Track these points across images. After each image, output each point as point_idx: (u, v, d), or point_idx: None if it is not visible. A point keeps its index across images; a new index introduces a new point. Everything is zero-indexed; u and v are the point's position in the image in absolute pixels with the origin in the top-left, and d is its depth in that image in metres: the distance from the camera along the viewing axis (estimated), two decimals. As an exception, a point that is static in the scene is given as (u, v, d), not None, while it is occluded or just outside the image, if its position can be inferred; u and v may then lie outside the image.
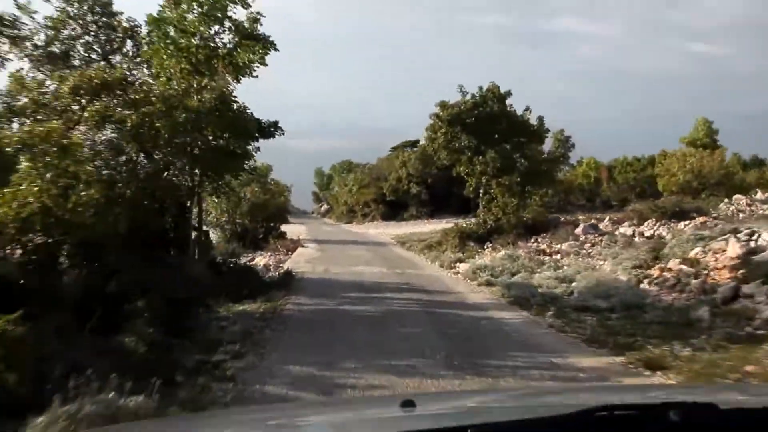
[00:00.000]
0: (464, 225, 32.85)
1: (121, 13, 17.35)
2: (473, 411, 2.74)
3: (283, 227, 65.84)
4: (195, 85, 15.62)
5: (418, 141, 67.25)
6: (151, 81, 16.24)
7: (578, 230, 28.56)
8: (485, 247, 26.09)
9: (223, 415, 4.33)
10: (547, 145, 64.58)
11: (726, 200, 32.86)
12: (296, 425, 2.66)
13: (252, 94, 24.99)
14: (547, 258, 22.90)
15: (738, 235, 16.69)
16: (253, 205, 37.86)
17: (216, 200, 38.01)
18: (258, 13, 16.79)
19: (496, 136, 31.67)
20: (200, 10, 16.41)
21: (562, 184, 62.78)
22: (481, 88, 32.99)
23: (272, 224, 40.00)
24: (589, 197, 65.54)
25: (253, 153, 18.62)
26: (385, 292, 17.93)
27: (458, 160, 31.90)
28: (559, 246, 24.98)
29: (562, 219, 36.96)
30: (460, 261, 23.00)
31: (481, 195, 31.70)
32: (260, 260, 26.13)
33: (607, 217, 33.22)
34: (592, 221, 32.30)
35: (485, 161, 30.20)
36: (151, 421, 4.63)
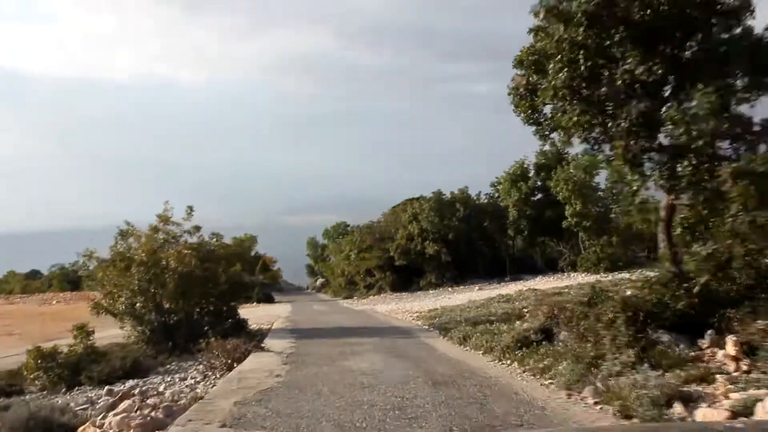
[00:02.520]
0: (638, 282, 13.04)
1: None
2: None
3: (263, 308, 51.58)
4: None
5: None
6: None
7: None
8: (703, 345, 9.63)
9: None
10: (601, 177, 51.43)
11: None
12: None
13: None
14: None
15: None
16: (184, 278, 22.92)
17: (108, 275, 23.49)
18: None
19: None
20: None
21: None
22: None
23: (224, 308, 25.00)
24: (649, 247, 50.36)
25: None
26: None
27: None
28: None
29: None
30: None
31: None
32: (122, 406, 10.89)
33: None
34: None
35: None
36: None
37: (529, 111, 11.43)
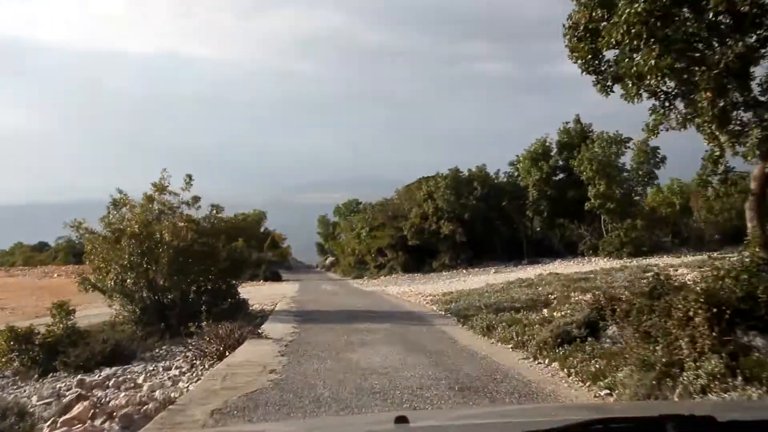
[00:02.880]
0: (714, 269, 9.34)
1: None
2: (468, 427, 2.76)
3: (269, 286, 49.58)
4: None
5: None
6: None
7: None
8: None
9: None
10: (626, 158, 48.49)
11: None
12: None
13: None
14: None
15: None
16: (180, 253, 20.94)
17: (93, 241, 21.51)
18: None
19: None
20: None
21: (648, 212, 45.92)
22: None
23: (223, 286, 23.04)
24: (674, 231, 48.08)
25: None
26: None
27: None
28: None
29: None
30: None
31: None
32: (76, 410, 8.88)
33: None
34: None
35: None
36: None
37: (589, 56, 9.24)
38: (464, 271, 45.69)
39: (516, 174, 50.42)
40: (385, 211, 53.52)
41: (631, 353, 8.79)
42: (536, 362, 10.88)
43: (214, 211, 22.44)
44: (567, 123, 48.31)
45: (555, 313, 17.34)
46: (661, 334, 8.29)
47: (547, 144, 48.15)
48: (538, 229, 51.50)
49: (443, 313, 21.01)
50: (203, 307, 21.74)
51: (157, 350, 18.09)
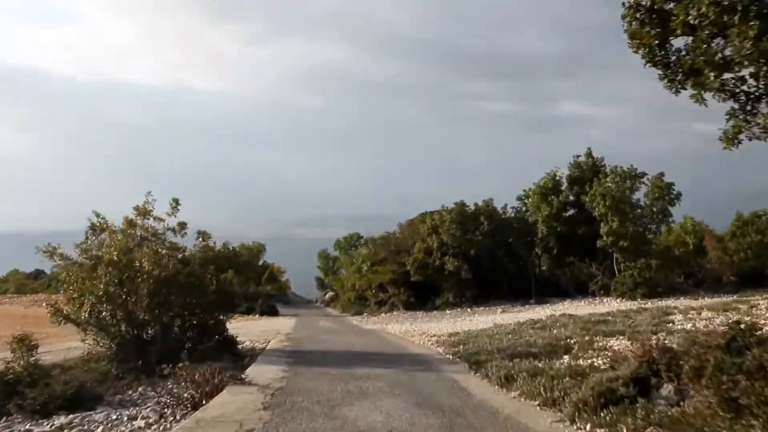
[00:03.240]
0: None
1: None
2: None
3: (265, 321, 47.27)
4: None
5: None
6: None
7: None
8: None
9: None
10: (639, 194, 46.33)
11: None
12: None
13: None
14: None
15: None
16: (161, 283, 18.95)
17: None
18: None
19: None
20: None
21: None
22: None
23: (210, 321, 20.98)
24: (687, 272, 46.09)
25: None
26: None
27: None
28: None
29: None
30: None
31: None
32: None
33: None
34: None
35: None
36: None
37: (655, 42, 7.39)
38: (469, 309, 43.58)
39: (524, 209, 48.56)
40: (387, 245, 51.59)
41: (710, 425, 6.77)
42: (575, 428, 8.84)
43: (200, 239, 20.39)
44: (578, 156, 46.63)
45: (580, 361, 15.36)
46: (756, 404, 6.31)
47: (558, 178, 46.35)
48: (545, 267, 49.49)
49: (451, 357, 18.93)
50: (187, 344, 19.83)
51: (130, 393, 15.99)
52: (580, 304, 39.79)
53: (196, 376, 12.46)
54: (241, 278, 63.58)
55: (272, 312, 57.09)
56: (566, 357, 16.54)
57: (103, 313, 18.87)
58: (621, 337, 19.43)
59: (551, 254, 45.62)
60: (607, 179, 42.18)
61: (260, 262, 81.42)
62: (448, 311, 44.14)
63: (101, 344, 19.16)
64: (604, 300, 40.63)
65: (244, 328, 36.78)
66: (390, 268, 49.28)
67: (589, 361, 15.08)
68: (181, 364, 14.17)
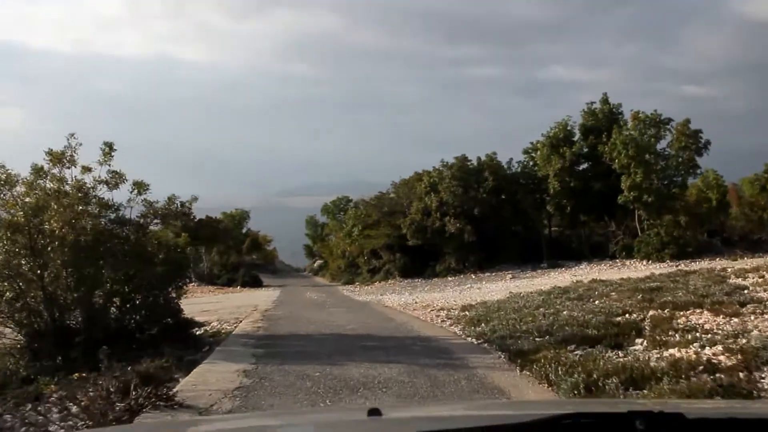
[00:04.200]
0: None
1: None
2: (438, 419, 2.68)
3: (244, 294, 42.26)
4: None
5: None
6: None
7: None
8: None
9: (188, 425, 4.06)
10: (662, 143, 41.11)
11: None
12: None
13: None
14: None
15: None
16: (82, 251, 14.02)
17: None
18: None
19: None
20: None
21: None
22: None
23: (159, 299, 16.08)
24: (711, 229, 41.55)
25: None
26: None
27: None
28: None
29: None
30: None
31: None
32: None
33: None
34: None
35: None
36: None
37: None
38: (473, 276, 38.89)
39: (531, 164, 43.62)
40: (380, 206, 46.51)
41: None
42: None
43: (136, 192, 15.31)
44: (592, 103, 41.56)
45: (673, 351, 10.64)
46: None
47: (569, 128, 41.40)
48: (555, 227, 44.68)
49: (475, 341, 14.23)
50: (132, 330, 15.18)
51: (36, 403, 11.17)
52: (601, 267, 35.18)
53: (83, 398, 7.61)
54: (220, 247, 58.87)
55: (255, 283, 52.23)
56: (640, 341, 11.87)
57: (7, 293, 14.02)
58: (698, 310, 14.75)
59: (564, 212, 40.75)
60: (629, 126, 37.27)
61: (243, 230, 76.53)
62: (449, 278, 39.46)
63: (7, 335, 14.36)
64: (627, 263, 35.99)
65: (219, 303, 31.99)
66: (384, 232, 44.36)
67: (686, 350, 10.37)
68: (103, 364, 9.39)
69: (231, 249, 60.75)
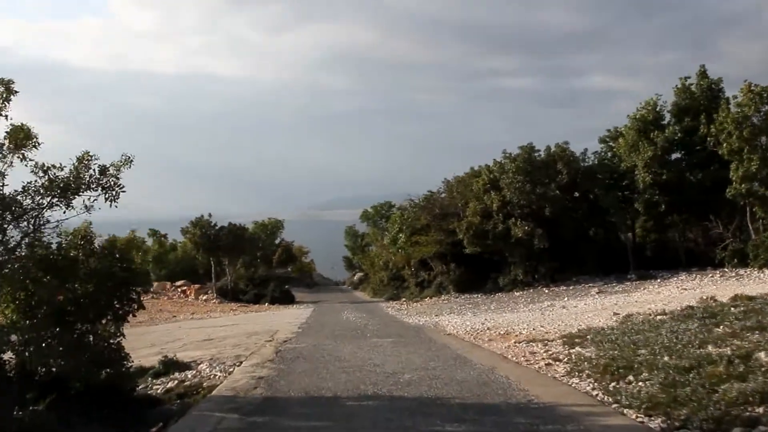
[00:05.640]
0: None
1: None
2: None
3: (268, 314, 35.25)
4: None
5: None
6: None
7: None
8: None
9: None
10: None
11: None
12: None
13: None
14: None
15: None
16: None
17: None
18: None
19: None
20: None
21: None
22: None
23: (87, 334, 9.44)
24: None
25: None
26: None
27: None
28: None
29: None
30: None
31: None
32: None
33: None
34: None
35: None
36: None
37: None
38: (546, 290, 31.80)
39: (610, 154, 36.39)
40: (430, 208, 39.45)
41: None
42: None
43: (12, 146, 8.61)
44: (687, 78, 34.19)
45: None
46: None
47: (658, 109, 34.13)
48: (639, 229, 37.22)
49: (645, 419, 7.45)
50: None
51: None
52: (711, 279, 27.83)
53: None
54: (246, 258, 52.55)
55: (286, 299, 45.53)
56: None
57: None
58: None
59: (655, 212, 33.38)
60: (739, 101, 29.88)
61: (277, 241, 70.26)
62: (516, 293, 32.40)
63: None
64: (742, 272, 28.59)
65: (231, 328, 25.52)
66: (435, 238, 37.39)
67: None
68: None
69: (259, 261, 54.44)
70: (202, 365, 13.99)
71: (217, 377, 12.35)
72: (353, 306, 38.41)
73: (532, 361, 12.57)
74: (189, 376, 12.82)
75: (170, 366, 13.89)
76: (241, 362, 14.07)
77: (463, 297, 34.02)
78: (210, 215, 46.06)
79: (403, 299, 39.11)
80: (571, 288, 31.24)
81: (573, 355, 12.50)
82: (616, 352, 11.95)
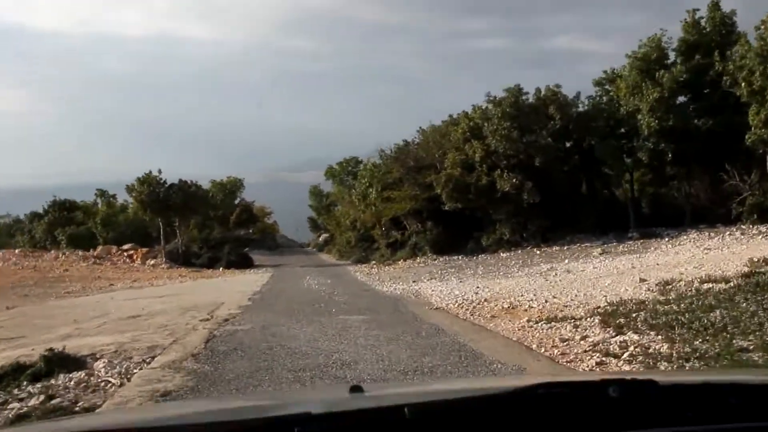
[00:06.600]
0: None
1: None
2: (418, 394, 2.58)
3: (217, 281, 29.52)
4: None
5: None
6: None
7: None
8: None
9: (177, 407, 3.71)
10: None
11: None
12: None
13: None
14: None
15: None
16: None
17: None
18: None
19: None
20: None
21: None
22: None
23: None
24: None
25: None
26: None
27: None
28: None
29: None
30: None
31: None
32: None
33: None
34: None
35: None
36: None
37: None
38: (538, 251, 28.02)
39: (607, 96, 32.38)
40: (403, 160, 35.20)
41: None
42: None
43: None
44: (696, 11, 30.11)
45: None
46: None
47: (662, 45, 30.14)
48: (648, 183, 33.30)
49: None
50: None
51: None
52: (734, 237, 24.23)
53: None
54: (198, 219, 48.13)
55: (243, 263, 41.21)
56: None
57: None
58: None
59: (662, 161, 29.51)
60: (762, 33, 26.00)
61: (236, 201, 65.76)
62: (503, 254, 28.59)
63: None
64: (764, 229, 25.05)
65: (169, 299, 21.20)
66: (409, 194, 33.23)
67: None
68: None
69: (214, 222, 50.00)
70: (99, 362, 9.76)
71: (107, 388, 8.16)
72: (317, 270, 34.30)
73: (571, 356, 8.56)
74: (72, 383, 8.55)
75: (56, 363, 9.62)
76: (154, 357, 9.90)
77: (441, 259, 30.06)
78: (159, 171, 41.32)
79: (373, 262, 35.12)
80: (566, 248, 27.46)
81: (632, 347, 8.56)
82: (699, 342, 8.07)
